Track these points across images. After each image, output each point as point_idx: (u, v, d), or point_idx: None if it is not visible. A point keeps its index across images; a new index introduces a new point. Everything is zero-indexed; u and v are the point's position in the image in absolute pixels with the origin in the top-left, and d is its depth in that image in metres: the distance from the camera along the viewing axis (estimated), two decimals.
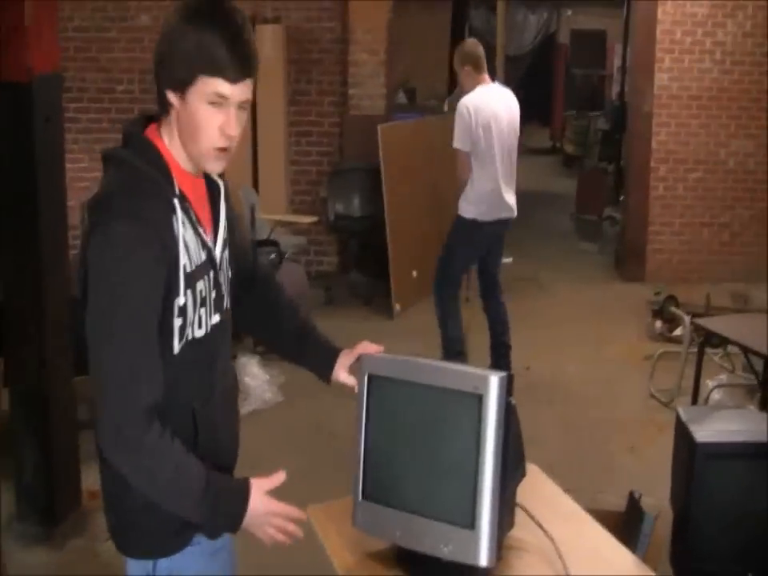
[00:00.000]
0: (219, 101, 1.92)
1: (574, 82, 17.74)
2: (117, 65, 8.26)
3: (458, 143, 5.75)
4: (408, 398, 2.14)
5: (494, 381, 2.02)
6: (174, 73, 1.93)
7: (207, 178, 2.12)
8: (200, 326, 2.03)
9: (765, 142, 8.50)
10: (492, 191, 5.79)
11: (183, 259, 1.95)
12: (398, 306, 7.46)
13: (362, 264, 8.22)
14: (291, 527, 2.00)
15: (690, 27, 8.33)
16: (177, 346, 1.98)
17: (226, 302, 2.16)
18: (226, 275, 2.14)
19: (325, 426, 5.46)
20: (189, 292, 1.98)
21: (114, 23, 8.22)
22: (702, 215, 8.63)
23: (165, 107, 1.99)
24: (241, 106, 1.96)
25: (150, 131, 2.03)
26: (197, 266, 2.00)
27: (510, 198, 5.89)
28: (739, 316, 6.13)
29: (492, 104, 5.80)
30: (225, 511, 1.95)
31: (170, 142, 2.02)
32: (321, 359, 2.34)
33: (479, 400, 2.01)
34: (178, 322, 1.97)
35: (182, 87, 1.93)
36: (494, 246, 6.05)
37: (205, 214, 2.09)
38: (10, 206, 4.15)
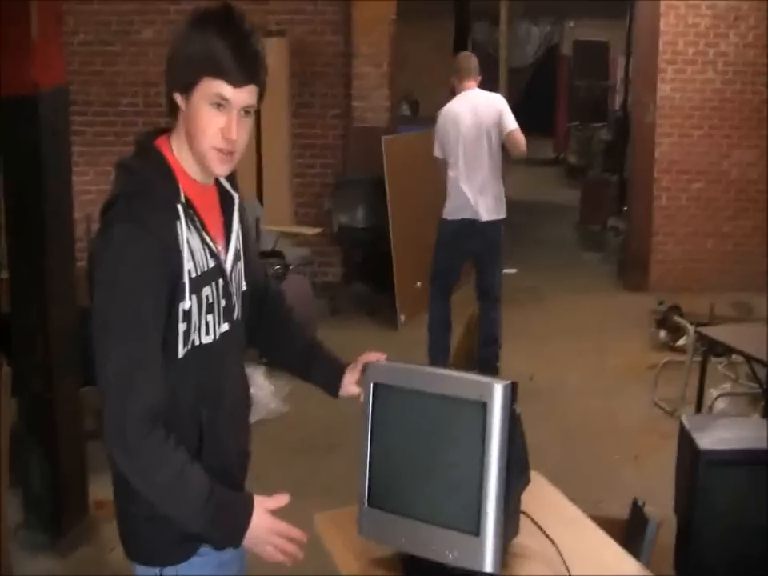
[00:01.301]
0: (221, 102, 1.97)
1: (577, 93, 17.77)
2: (121, 78, 8.31)
3: (434, 150, 6.18)
4: (413, 406, 2.15)
5: (499, 389, 2.03)
6: (180, 75, 2.00)
7: (221, 188, 2.16)
8: (207, 333, 2.06)
9: (767, 152, 8.52)
10: (455, 192, 6.06)
11: (188, 264, 1.98)
12: (402, 317, 7.47)
13: (366, 275, 8.24)
14: (291, 548, 2.00)
15: (692, 38, 8.37)
16: (181, 351, 2.00)
17: (238, 313, 2.17)
18: (237, 286, 2.16)
19: (330, 435, 5.47)
20: (194, 297, 2.00)
21: (119, 37, 8.27)
22: (704, 225, 8.64)
23: (174, 112, 2.04)
24: (244, 112, 2.00)
25: (161, 140, 2.07)
26: (203, 272, 2.02)
27: (480, 201, 6.02)
28: (742, 325, 6.14)
29: (456, 108, 6.06)
30: (226, 524, 1.96)
31: (178, 151, 2.06)
32: (328, 376, 2.35)
33: (484, 408, 2.03)
34: (182, 326, 1.99)
35: (186, 88, 1.99)
36: (480, 258, 6.15)
37: (215, 223, 2.12)
38: (17, 219, 4.18)
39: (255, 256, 2.41)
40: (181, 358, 2.00)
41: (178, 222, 1.98)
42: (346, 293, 8.20)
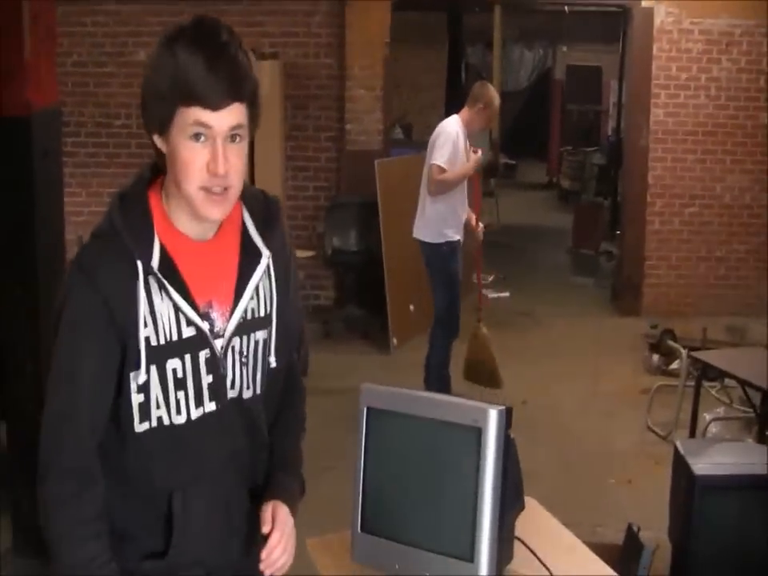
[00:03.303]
0: (201, 132, 1.70)
1: (570, 117, 17.87)
2: (114, 100, 8.30)
3: None
4: (407, 431, 2.14)
5: (493, 414, 2.03)
6: (153, 112, 1.74)
7: (246, 243, 1.88)
8: (179, 412, 1.82)
9: (760, 177, 8.55)
10: None
11: (145, 331, 1.75)
12: (395, 340, 7.45)
13: (359, 298, 8.23)
14: None
15: (685, 63, 8.40)
16: (139, 426, 1.80)
17: (239, 390, 1.89)
18: (242, 361, 1.88)
19: (322, 459, 5.43)
20: (153, 369, 1.78)
21: (112, 58, 8.28)
22: (698, 249, 8.65)
23: (161, 158, 1.80)
24: (232, 137, 1.73)
25: (154, 186, 1.84)
26: (169, 342, 1.78)
27: (417, 222, 6.09)
28: (736, 350, 6.14)
29: None
30: None
31: (167, 200, 1.82)
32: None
33: (478, 433, 2.02)
34: (137, 398, 1.78)
35: (162, 126, 1.73)
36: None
37: (216, 284, 1.85)
38: (8, 240, 4.15)
39: (293, 331, 2.03)
40: (142, 434, 1.80)
41: (138, 282, 1.74)
42: (339, 316, 8.18)
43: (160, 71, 1.70)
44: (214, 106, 1.69)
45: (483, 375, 6.23)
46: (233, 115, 1.71)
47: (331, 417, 5.18)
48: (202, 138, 1.71)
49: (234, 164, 1.73)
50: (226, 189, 1.74)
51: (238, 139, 1.75)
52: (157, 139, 1.77)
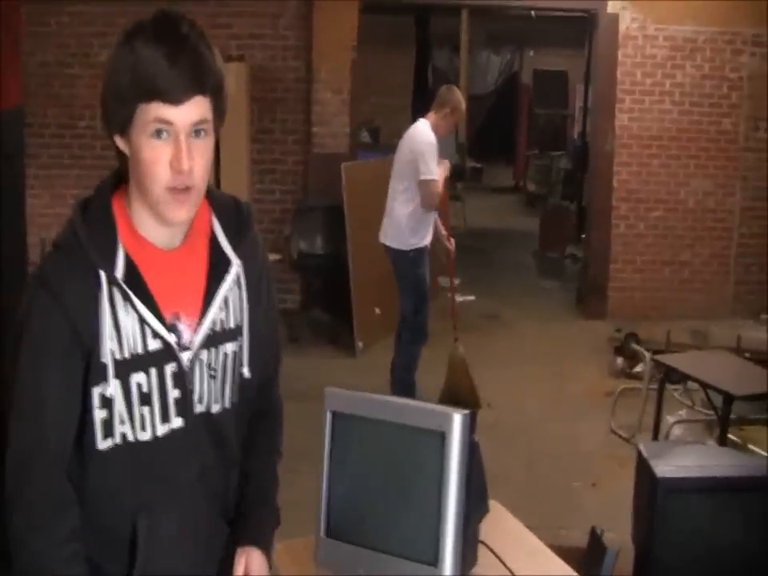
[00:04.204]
0: (162, 128, 1.63)
1: (536, 121, 17.99)
2: (79, 101, 8.24)
3: None
4: (371, 436, 2.14)
5: (457, 419, 2.02)
6: (113, 111, 1.66)
7: (215, 251, 1.82)
8: (143, 429, 1.75)
9: (724, 182, 8.65)
10: None
11: (109, 344, 1.69)
12: (360, 344, 7.45)
13: (325, 302, 8.23)
14: None
15: (649, 69, 8.48)
16: (101, 443, 1.73)
17: (207, 405, 1.82)
18: (210, 374, 1.82)
19: (288, 463, 5.42)
20: (117, 383, 1.71)
21: (77, 59, 8.21)
22: (662, 253, 8.73)
23: (122, 161, 1.73)
24: (196, 132, 1.66)
25: (118, 192, 1.77)
26: (134, 355, 1.72)
27: (384, 227, 6.10)
28: (699, 353, 6.19)
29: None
30: None
31: (131, 206, 1.75)
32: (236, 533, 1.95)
33: (442, 438, 2.02)
34: (100, 413, 1.71)
35: (123, 126, 1.66)
36: None
37: (184, 294, 1.79)
38: None
39: (267, 342, 1.98)
40: (105, 451, 1.74)
41: (101, 294, 1.68)
42: (305, 320, 8.17)
43: (119, 68, 1.63)
44: (176, 100, 1.61)
45: (461, 398, 6.16)
46: (196, 109, 1.64)
47: (297, 420, 5.13)
48: (164, 135, 1.64)
49: (197, 161, 1.66)
50: (188, 188, 1.66)
51: (202, 134, 1.67)
52: (118, 140, 1.70)
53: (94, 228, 1.71)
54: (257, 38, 8.27)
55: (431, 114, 6.10)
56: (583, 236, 10.03)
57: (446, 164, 6.11)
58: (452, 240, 6.35)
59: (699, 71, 8.51)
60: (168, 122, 1.63)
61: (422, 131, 6.00)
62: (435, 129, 6.04)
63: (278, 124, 8.39)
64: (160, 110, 1.62)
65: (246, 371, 1.87)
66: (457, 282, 9.22)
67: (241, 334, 1.85)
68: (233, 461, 1.93)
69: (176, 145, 1.64)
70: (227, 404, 1.86)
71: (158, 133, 1.64)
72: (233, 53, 8.03)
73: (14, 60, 4.19)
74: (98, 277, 1.68)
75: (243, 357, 1.87)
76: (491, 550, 2.26)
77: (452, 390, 6.26)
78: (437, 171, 5.86)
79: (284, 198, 8.45)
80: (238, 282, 1.83)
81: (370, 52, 10.00)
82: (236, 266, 1.82)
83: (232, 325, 1.84)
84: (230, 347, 1.84)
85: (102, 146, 8.01)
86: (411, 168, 5.91)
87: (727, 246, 8.73)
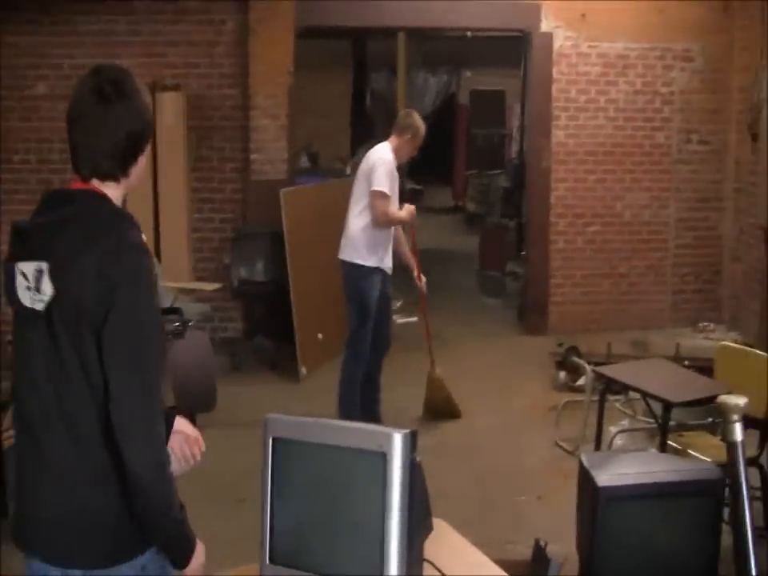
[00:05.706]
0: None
1: (475, 141, 18.09)
2: (13, 135, 8.16)
3: None
4: (313, 459, 2.16)
5: (398, 438, 2.05)
6: (147, 135, 2.20)
7: None
8: None
9: (658, 195, 8.81)
10: None
11: None
12: (303, 369, 7.44)
13: (267, 329, 8.20)
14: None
15: (584, 86, 8.62)
16: None
17: None
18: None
19: (238, 488, 5.40)
20: None
21: (10, 92, 8.12)
22: (601, 267, 8.85)
23: (124, 173, 2.18)
24: None
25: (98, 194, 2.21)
26: None
27: (341, 242, 6.20)
28: (638, 362, 6.27)
29: None
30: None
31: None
32: None
33: (383, 458, 2.04)
34: None
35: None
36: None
37: None
38: None
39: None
40: None
41: None
42: (247, 348, 8.14)
43: (146, 110, 2.20)
44: None
45: (443, 411, 6.59)
46: None
47: (242, 449, 5.15)
48: None
49: None
50: None
51: None
52: (141, 158, 2.21)
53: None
54: (192, 67, 8.26)
55: (393, 138, 6.20)
56: (523, 253, 10.13)
57: (412, 209, 6.24)
58: (423, 278, 6.50)
59: (632, 87, 8.67)
60: None
61: (381, 150, 6.15)
62: (396, 152, 6.14)
63: (215, 152, 8.38)
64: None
65: None
66: (399, 303, 9.31)
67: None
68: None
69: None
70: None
71: None
72: (168, 82, 8.02)
73: None
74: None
75: None
76: (436, 568, 2.30)
77: (432, 405, 6.59)
78: (390, 190, 6.01)
79: (223, 226, 8.42)
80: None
81: (307, 77, 10.06)
82: None
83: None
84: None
85: (38, 180, 7.97)
86: (368, 184, 6.02)
87: (663, 257, 8.89)
